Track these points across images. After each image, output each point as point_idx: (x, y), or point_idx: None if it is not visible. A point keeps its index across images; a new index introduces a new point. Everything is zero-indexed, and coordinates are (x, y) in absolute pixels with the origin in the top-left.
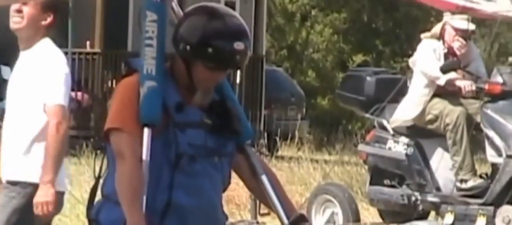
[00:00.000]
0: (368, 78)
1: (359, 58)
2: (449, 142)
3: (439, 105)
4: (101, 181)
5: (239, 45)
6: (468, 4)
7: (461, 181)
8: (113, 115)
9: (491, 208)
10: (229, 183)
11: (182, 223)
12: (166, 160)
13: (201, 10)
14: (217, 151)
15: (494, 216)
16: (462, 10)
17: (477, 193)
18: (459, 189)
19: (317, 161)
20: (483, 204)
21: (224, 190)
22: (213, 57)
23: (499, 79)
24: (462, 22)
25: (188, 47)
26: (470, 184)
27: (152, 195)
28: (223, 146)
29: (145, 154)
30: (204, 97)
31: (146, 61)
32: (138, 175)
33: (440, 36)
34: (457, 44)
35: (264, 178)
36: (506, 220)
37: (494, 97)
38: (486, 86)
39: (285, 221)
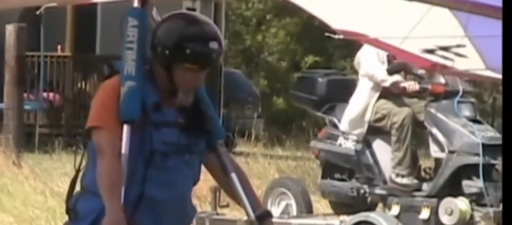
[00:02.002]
0: (320, 79)
1: (310, 59)
2: (393, 138)
3: (387, 105)
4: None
5: (214, 45)
6: (442, 61)
7: (397, 175)
8: (94, 114)
9: (435, 200)
10: (198, 178)
11: (154, 214)
12: (141, 156)
13: (177, 16)
14: (189, 148)
15: (437, 207)
16: (436, 68)
17: (409, 191)
18: (393, 182)
19: (272, 157)
20: (427, 196)
21: (194, 185)
22: (191, 58)
23: (442, 80)
24: None
25: (167, 51)
26: (404, 181)
27: (127, 187)
28: (194, 144)
29: (124, 149)
30: (186, 98)
31: (126, 63)
32: (116, 169)
33: None
34: None
35: (233, 176)
36: (448, 211)
37: (437, 97)
38: (430, 87)
39: (252, 216)
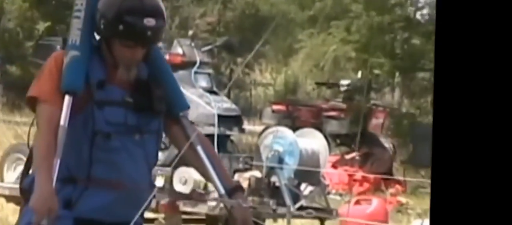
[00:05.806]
0: (59, 47)
1: (41, 26)
2: None
3: None
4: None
5: (149, 21)
6: None
7: None
8: (34, 84)
9: (169, 169)
10: (156, 159)
11: (102, 196)
12: (85, 136)
13: None
14: (139, 128)
15: (172, 176)
16: None
17: None
18: None
19: (10, 122)
20: (163, 165)
21: (151, 166)
22: (125, 34)
23: (179, 50)
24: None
25: (103, 25)
26: None
27: (75, 169)
28: (146, 124)
29: (63, 120)
30: (127, 73)
31: (71, 32)
32: (48, 142)
33: None
34: None
35: (199, 148)
36: (182, 180)
37: (174, 67)
38: (167, 57)
39: (222, 190)
